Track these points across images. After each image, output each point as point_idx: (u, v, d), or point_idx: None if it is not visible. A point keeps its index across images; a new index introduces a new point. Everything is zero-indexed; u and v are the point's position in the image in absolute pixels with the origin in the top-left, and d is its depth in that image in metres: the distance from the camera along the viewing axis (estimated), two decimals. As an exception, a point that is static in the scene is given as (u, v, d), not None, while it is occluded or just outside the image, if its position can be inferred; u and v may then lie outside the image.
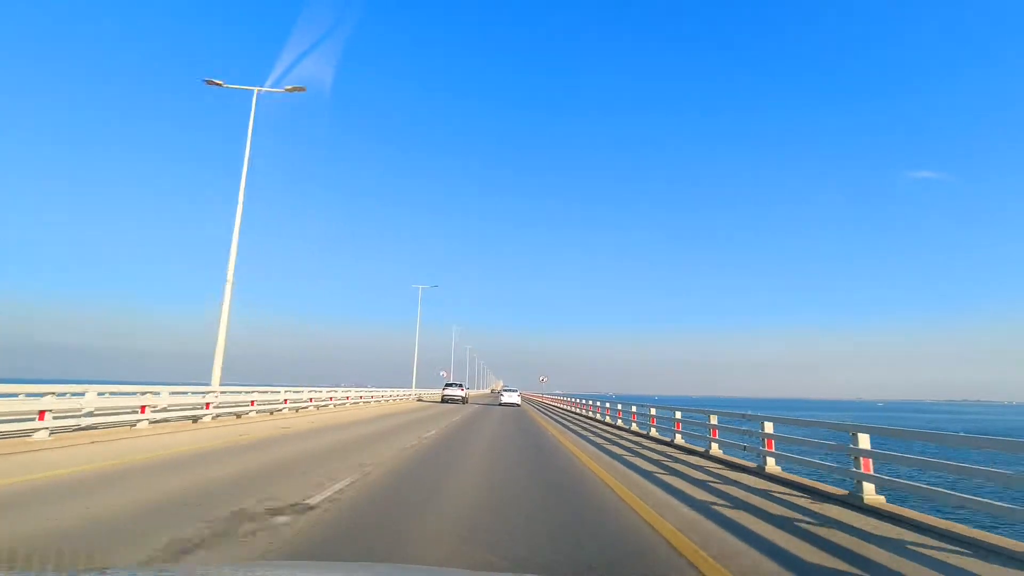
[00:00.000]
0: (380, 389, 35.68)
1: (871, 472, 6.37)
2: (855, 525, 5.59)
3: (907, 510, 5.95)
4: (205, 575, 2.19)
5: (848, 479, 6.82)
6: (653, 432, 14.93)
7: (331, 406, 24.93)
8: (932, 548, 4.66)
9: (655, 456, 10.82)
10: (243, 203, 18.54)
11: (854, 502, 6.33)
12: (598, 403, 25.23)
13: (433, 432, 14.34)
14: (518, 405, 35.80)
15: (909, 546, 4.73)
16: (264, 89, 19.25)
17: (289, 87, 19.29)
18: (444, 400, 38.27)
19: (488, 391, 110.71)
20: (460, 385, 42.18)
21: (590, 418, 24.97)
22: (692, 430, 12.43)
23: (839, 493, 6.82)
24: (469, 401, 40.73)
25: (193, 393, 15.39)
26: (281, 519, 4.88)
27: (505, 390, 42.50)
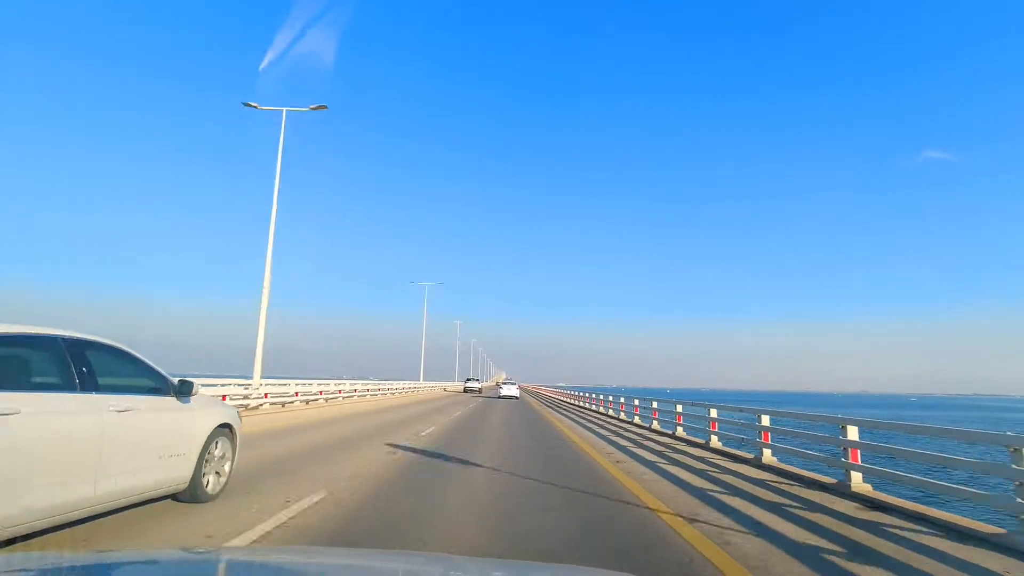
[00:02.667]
0: (401, 382, 41.09)
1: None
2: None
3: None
4: (205, 558, 1.98)
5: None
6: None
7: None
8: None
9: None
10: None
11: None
12: (593, 395, 27.31)
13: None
14: (517, 398, 37.25)
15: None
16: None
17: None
18: (465, 390, 51.80)
19: (494, 383, 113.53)
20: (477, 379, 59.75)
21: (583, 407, 26.79)
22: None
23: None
24: (483, 391, 53.00)
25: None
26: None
27: (504, 383, 44.41)
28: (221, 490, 5.33)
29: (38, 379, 3.70)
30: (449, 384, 62.08)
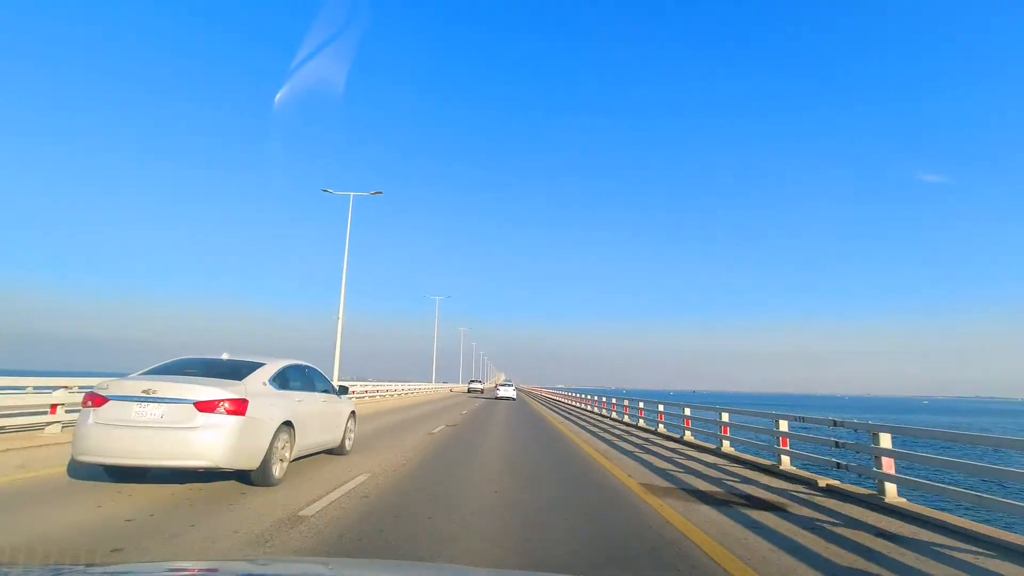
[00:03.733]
0: (412, 384, 44.91)
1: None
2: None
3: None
4: (199, 572, 1.98)
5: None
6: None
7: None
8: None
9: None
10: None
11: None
12: (586, 395, 30.22)
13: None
14: (513, 399, 38.98)
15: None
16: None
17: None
18: (469, 391, 57.65)
19: (493, 384, 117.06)
20: (480, 381, 66.08)
21: (575, 406, 30.82)
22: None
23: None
24: (484, 392, 57.68)
25: None
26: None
27: (501, 385, 46.63)
28: (350, 448, 8.90)
29: (300, 384, 7.27)
30: (455, 385, 69.07)
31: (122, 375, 6.17)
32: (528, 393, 63.49)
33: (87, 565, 2.02)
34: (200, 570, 2.01)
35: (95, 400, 5.71)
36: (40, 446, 8.47)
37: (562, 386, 65.61)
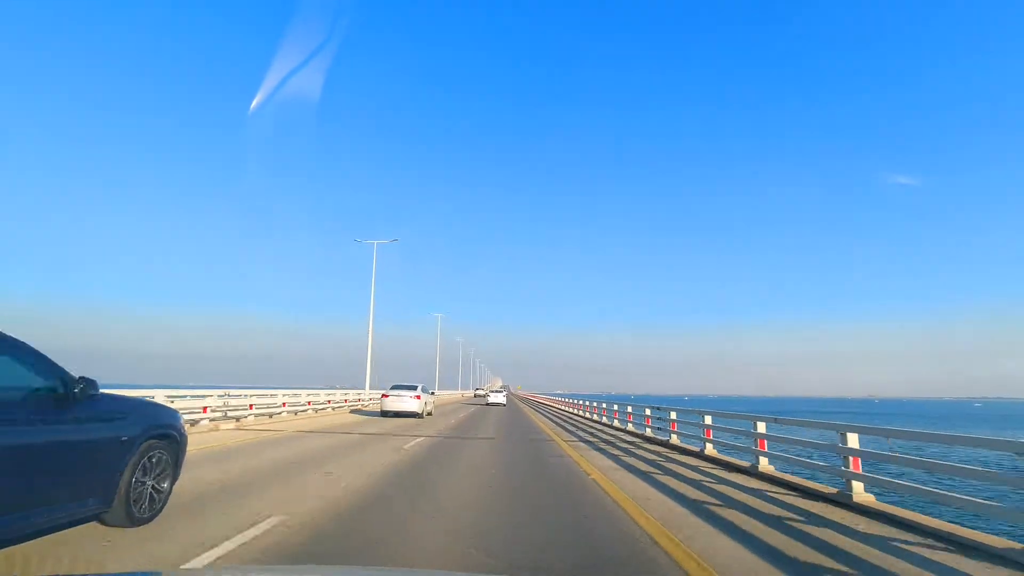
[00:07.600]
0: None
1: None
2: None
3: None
4: None
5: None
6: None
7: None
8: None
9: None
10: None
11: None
12: (568, 399, 34.09)
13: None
14: (504, 404, 41.81)
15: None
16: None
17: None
18: (475, 396, 71.23)
19: (487, 390, 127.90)
20: (482, 388, 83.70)
21: (555, 407, 36.70)
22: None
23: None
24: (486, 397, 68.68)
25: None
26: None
27: (492, 391, 50.50)
28: (434, 415, 23.96)
29: (424, 389, 22.67)
30: (466, 391, 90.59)
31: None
32: (520, 398, 73.14)
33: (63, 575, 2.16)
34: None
35: (385, 395, 21.65)
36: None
37: (559, 392, 69.27)
